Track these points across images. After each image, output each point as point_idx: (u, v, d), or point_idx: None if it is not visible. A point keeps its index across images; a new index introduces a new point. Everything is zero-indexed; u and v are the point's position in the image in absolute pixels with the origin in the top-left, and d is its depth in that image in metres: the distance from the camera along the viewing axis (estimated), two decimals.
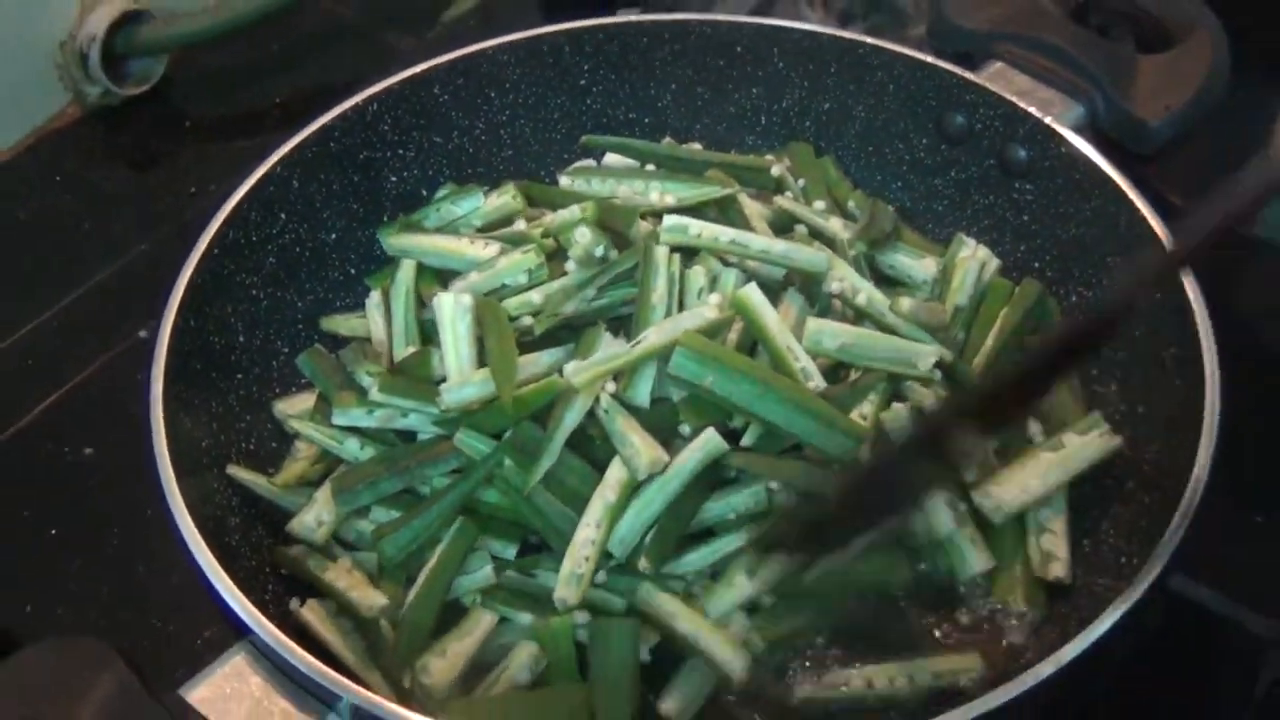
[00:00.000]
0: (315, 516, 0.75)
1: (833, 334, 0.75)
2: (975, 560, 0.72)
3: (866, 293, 0.79)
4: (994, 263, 0.84)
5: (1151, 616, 0.69)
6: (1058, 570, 0.72)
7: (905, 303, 0.78)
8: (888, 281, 0.84)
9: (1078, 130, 0.83)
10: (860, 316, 0.79)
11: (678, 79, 0.92)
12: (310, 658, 0.62)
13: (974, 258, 0.83)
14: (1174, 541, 0.64)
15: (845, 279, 0.80)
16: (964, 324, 0.81)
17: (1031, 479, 0.73)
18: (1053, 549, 0.73)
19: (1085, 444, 0.74)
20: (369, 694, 0.61)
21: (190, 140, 1.10)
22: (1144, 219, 0.77)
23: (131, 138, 1.10)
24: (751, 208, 0.84)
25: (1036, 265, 0.85)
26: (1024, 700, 0.60)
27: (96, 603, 0.78)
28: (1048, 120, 0.83)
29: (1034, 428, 0.78)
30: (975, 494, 0.73)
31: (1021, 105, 0.84)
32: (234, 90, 1.13)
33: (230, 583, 0.64)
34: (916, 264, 0.84)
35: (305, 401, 0.81)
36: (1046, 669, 0.60)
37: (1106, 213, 0.80)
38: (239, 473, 0.75)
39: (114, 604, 0.78)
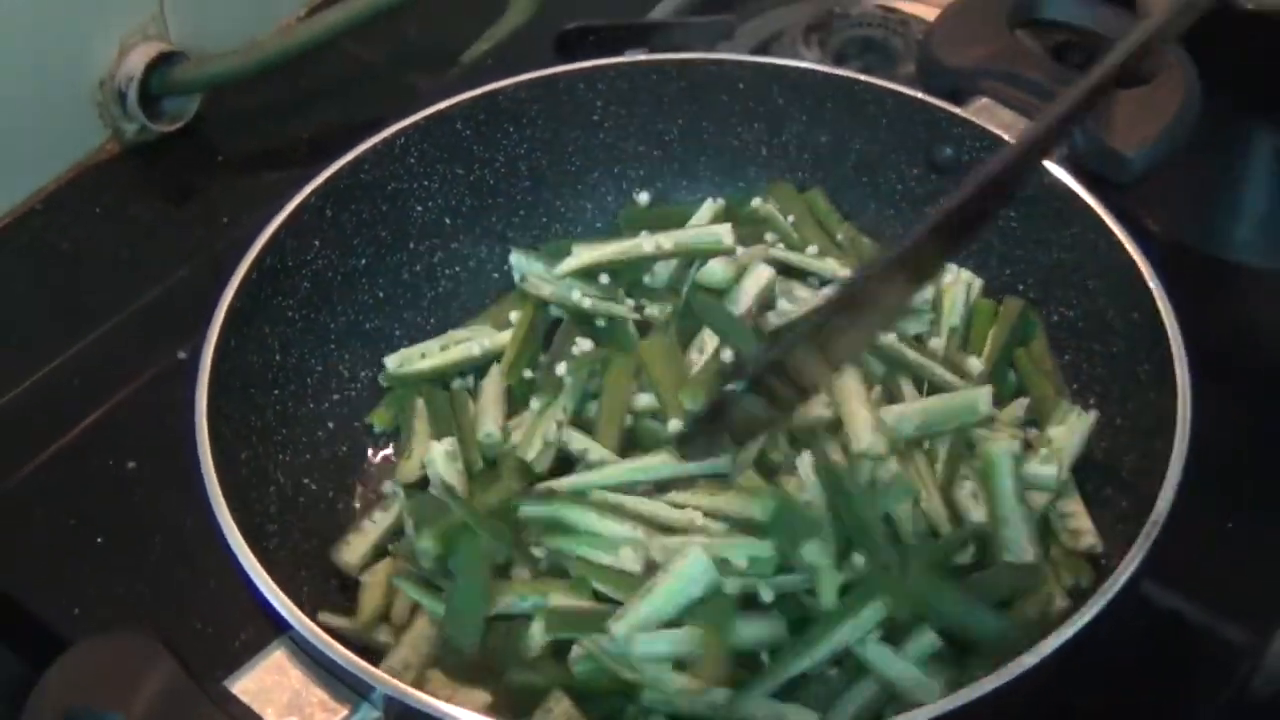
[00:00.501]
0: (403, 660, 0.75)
1: (908, 417, 0.78)
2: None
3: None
4: (978, 283, 0.88)
5: (1132, 619, 0.72)
6: (1089, 540, 0.76)
7: (934, 343, 0.83)
8: None
9: (1058, 161, 0.85)
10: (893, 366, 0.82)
11: (684, 114, 0.95)
12: (346, 651, 0.65)
13: (959, 281, 0.87)
14: (1148, 541, 0.67)
15: None
16: (959, 344, 0.85)
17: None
18: (1078, 527, 0.76)
19: (1069, 430, 0.78)
20: (401, 684, 0.64)
21: (222, 174, 1.13)
22: (1121, 244, 0.81)
23: (166, 172, 1.13)
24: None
25: (1020, 288, 0.88)
26: (1006, 690, 0.63)
27: (140, 607, 0.81)
28: None
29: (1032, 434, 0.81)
30: None
31: (1005, 138, 0.87)
32: (263, 127, 1.17)
33: (272, 583, 0.68)
34: None
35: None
36: (1029, 660, 0.63)
37: (1086, 239, 0.83)
38: (328, 619, 0.74)
39: (156, 608, 0.81)
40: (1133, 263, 0.80)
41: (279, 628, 0.67)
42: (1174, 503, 0.69)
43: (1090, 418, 0.79)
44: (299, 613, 0.66)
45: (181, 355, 0.94)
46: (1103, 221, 0.82)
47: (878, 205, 0.95)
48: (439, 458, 0.80)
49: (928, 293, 0.87)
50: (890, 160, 0.93)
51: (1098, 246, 0.82)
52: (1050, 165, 0.85)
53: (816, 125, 0.94)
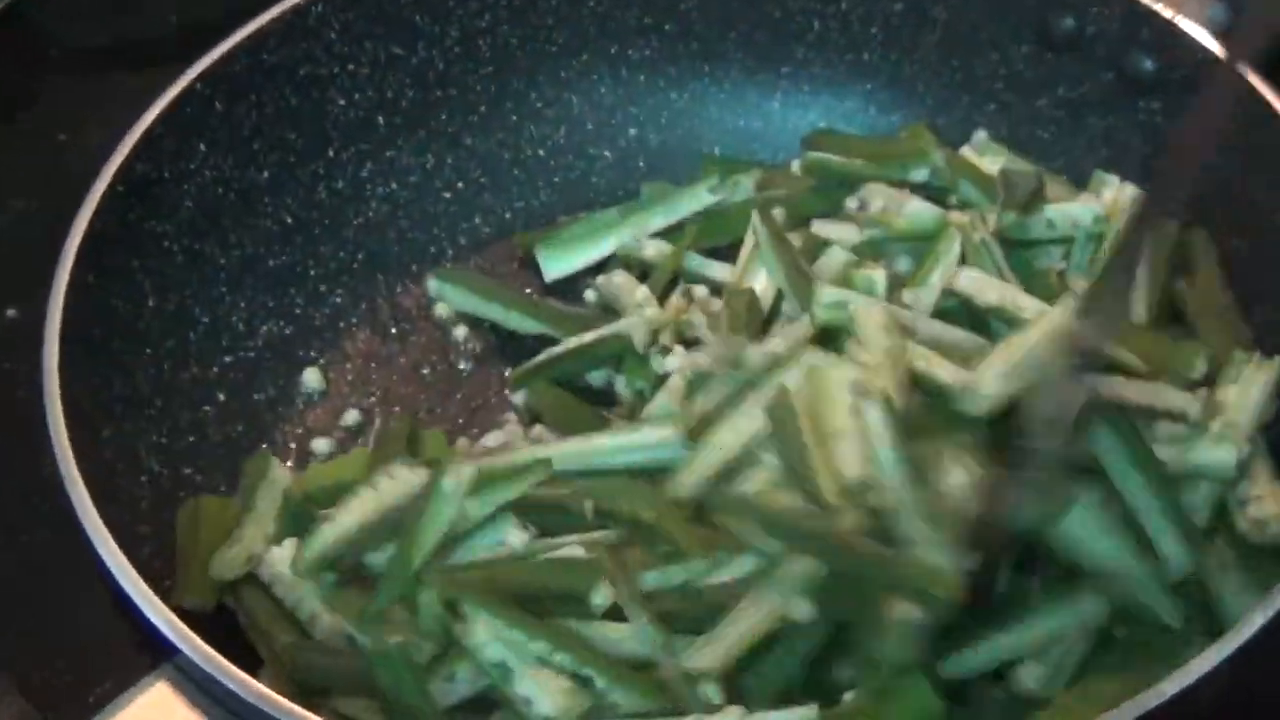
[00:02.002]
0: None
1: None
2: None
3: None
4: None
5: None
6: (1276, 528, 0.79)
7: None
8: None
9: (1217, 34, 0.89)
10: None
11: None
12: (247, 677, 0.68)
13: (1126, 198, 0.91)
14: None
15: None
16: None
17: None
18: (1263, 513, 0.79)
19: (1244, 388, 0.81)
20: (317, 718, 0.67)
21: (60, 74, 1.16)
22: None
23: None
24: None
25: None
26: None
27: None
28: (1179, 21, 0.90)
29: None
30: None
31: (1146, 1, 0.91)
32: (118, 11, 1.19)
33: (152, 595, 0.71)
34: (1079, 209, 0.90)
35: None
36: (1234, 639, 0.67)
37: (1254, 138, 0.86)
38: None
39: None
40: None
41: (161, 652, 0.71)
42: None
43: (1274, 365, 0.82)
44: (187, 631, 0.70)
45: (11, 314, 0.97)
46: (1277, 112, 0.85)
47: (972, 96, 0.98)
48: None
49: (1095, 205, 0.90)
50: (990, 34, 0.97)
51: (1270, 146, 0.86)
52: (1206, 38, 0.89)
53: None
